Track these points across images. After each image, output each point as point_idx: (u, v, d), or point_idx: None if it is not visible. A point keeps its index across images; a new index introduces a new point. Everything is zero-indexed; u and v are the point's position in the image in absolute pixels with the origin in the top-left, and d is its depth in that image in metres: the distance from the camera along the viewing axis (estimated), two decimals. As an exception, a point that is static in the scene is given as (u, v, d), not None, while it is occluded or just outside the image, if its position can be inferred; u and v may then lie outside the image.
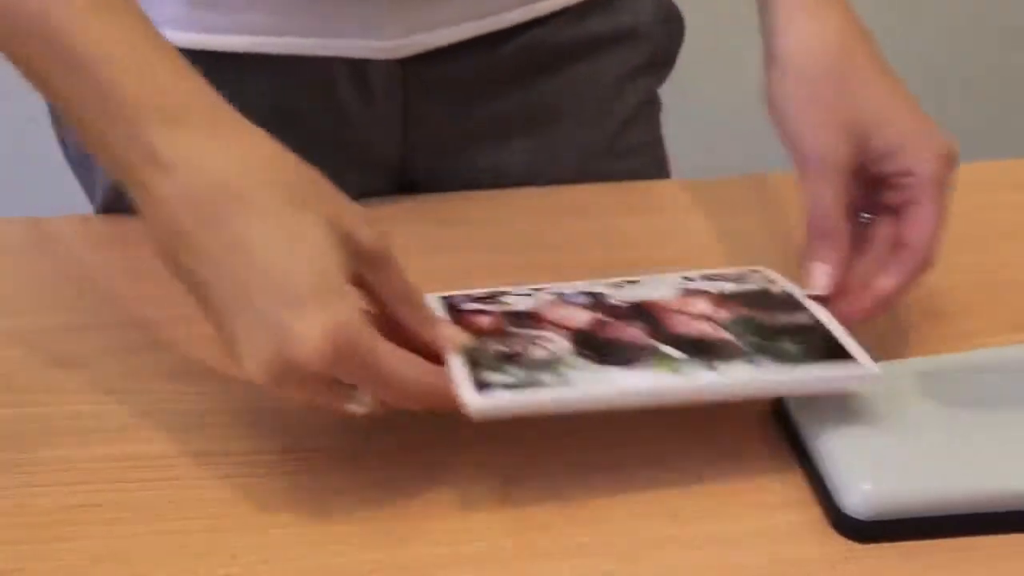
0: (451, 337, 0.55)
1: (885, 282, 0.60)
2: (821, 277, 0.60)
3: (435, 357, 0.54)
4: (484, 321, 0.57)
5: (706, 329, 0.56)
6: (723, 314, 0.58)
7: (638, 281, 0.62)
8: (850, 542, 0.51)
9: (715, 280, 0.62)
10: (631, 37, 0.84)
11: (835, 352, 0.55)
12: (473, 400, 0.51)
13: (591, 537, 0.52)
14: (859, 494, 0.51)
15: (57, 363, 0.62)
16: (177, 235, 0.50)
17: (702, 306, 0.59)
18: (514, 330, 0.56)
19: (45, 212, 0.77)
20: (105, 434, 0.57)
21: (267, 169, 0.52)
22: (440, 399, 0.52)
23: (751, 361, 0.54)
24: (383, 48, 0.75)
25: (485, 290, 0.61)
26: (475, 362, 0.53)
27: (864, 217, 0.64)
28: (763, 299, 0.60)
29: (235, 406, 0.59)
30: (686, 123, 0.97)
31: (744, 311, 0.58)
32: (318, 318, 0.48)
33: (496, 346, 0.55)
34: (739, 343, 0.55)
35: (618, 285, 0.62)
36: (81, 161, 0.83)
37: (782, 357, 0.54)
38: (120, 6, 0.53)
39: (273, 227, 0.50)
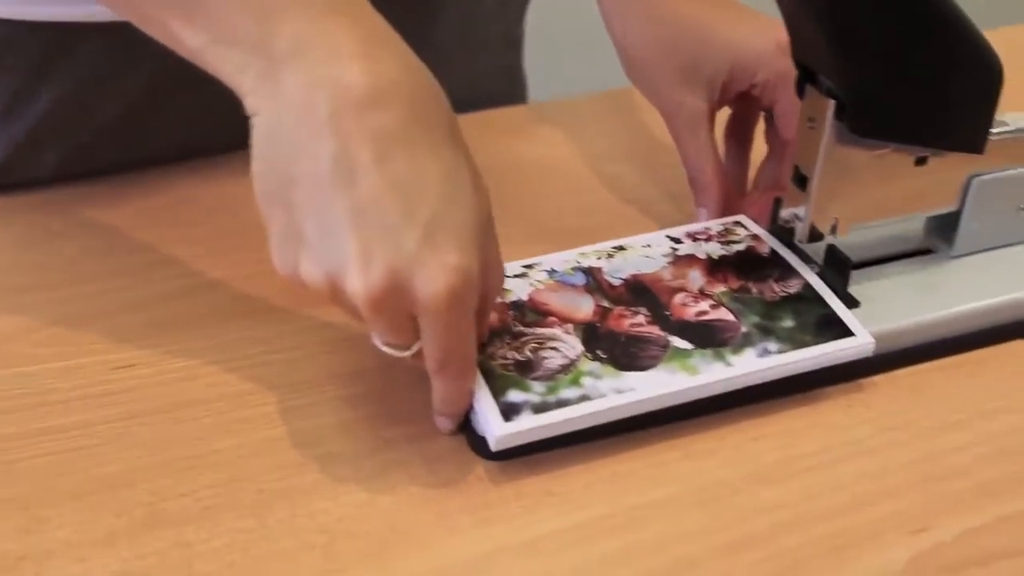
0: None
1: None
2: (702, 217, 0.68)
3: None
4: (490, 318, 0.57)
5: (708, 310, 0.58)
6: (719, 287, 0.59)
7: (624, 247, 0.62)
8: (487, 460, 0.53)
9: (700, 240, 0.63)
10: None
11: (831, 323, 0.57)
12: (500, 428, 0.51)
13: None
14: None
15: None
16: (331, 119, 0.46)
17: (698, 279, 0.60)
18: (521, 328, 0.57)
19: None
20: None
21: (432, 86, 0.49)
22: (469, 385, 0.52)
23: (756, 345, 0.55)
24: None
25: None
26: (490, 373, 0.54)
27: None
28: (754, 263, 0.61)
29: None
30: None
31: (739, 281, 0.59)
32: (456, 262, 0.47)
33: (508, 351, 0.55)
34: (743, 325, 0.56)
35: (608, 254, 0.62)
36: None
37: (784, 337, 0.56)
38: None
39: (434, 156, 0.47)
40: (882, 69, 0.53)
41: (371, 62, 0.47)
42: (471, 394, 0.53)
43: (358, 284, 0.46)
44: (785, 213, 0.61)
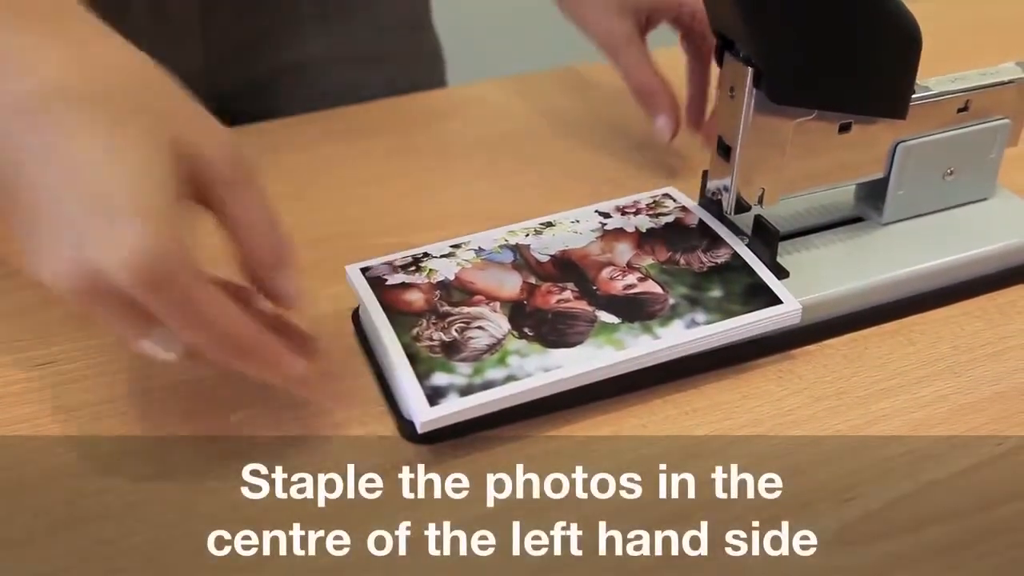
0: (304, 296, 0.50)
1: None
2: (662, 126, 0.71)
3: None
4: (415, 299, 0.56)
5: (635, 283, 0.57)
6: (647, 259, 0.59)
7: (553, 224, 0.62)
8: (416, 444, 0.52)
9: (629, 213, 0.62)
10: None
11: (759, 291, 0.56)
12: (425, 413, 0.51)
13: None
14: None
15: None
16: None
17: (626, 252, 0.59)
18: (447, 308, 0.56)
19: None
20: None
21: (107, 78, 0.46)
22: (270, 363, 0.48)
23: (684, 316, 0.55)
24: None
25: (403, 254, 0.60)
26: (415, 356, 0.53)
27: None
28: (682, 235, 0.60)
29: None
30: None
31: (667, 253, 0.59)
32: (133, 231, 0.43)
33: (435, 332, 0.54)
34: (670, 296, 0.56)
35: (536, 231, 0.61)
36: None
37: (712, 307, 0.55)
38: None
39: (91, 140, 0.45)
40: (796, 37, 0.53)
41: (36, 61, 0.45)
42: (304, 365, 0.49)
43: (56, 282, 0.44)
44: (712, 184, 0.61)
